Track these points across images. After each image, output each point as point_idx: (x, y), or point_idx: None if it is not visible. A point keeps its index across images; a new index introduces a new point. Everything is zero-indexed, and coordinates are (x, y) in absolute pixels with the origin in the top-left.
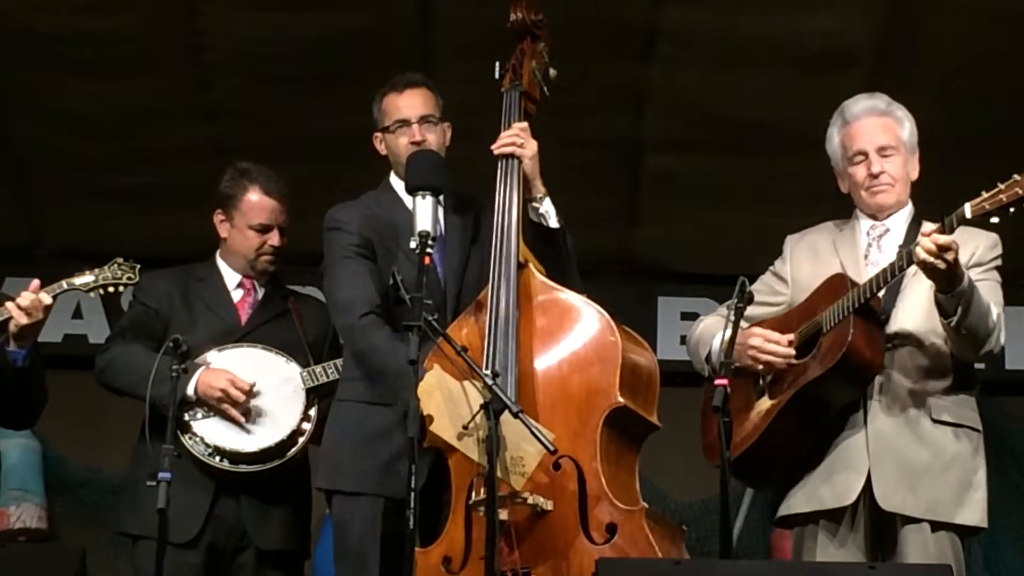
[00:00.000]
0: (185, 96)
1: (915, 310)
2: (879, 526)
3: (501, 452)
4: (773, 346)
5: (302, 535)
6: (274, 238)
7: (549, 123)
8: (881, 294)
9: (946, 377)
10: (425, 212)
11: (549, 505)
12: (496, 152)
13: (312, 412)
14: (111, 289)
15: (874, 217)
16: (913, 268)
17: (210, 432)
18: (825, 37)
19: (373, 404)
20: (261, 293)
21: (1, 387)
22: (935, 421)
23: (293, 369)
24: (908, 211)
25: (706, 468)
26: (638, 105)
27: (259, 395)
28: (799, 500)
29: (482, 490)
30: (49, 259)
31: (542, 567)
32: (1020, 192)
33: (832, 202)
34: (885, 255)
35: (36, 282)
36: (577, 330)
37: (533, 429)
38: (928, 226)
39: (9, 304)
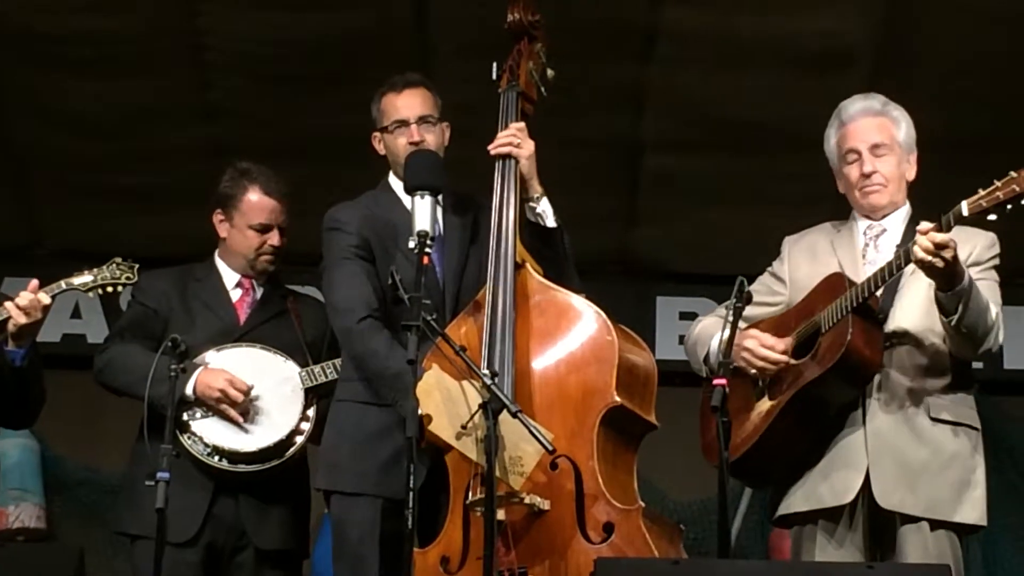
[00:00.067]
0: (185, 96)
1: (913, 309)
2: (878, 525)
3: (499, 452)
4: (766, 351)
5: (301, 535)
6: (274, 238)
7: (548, 123)
8: (879, 293)
9: (944, 376)
10: (424, 212)
11: (546, 505)
12: (493, 152)
13: (311, 412)
14: (110, 289)
15: (870, 217)
16: (911, 267)
17: (209, 432)
18: (824, 37)
19: (372, 404)
20: (260, 293)
21: (0, 387)
22: (934, 420)
23: (292, 369)
24: (905, 211)
25: (705, 468)
26: (637, 105)
27: (258, 395)
28: (798, 499)
29: (480, 490)
30: (49, 259)
31: (539, 567)
32: (1017, 189)
33: (832, 202)
34: (882, 255)
35: (35, 282)
36: (574, 330)
37: (531, 429)
38: (925, 225)
39: (8, 304)
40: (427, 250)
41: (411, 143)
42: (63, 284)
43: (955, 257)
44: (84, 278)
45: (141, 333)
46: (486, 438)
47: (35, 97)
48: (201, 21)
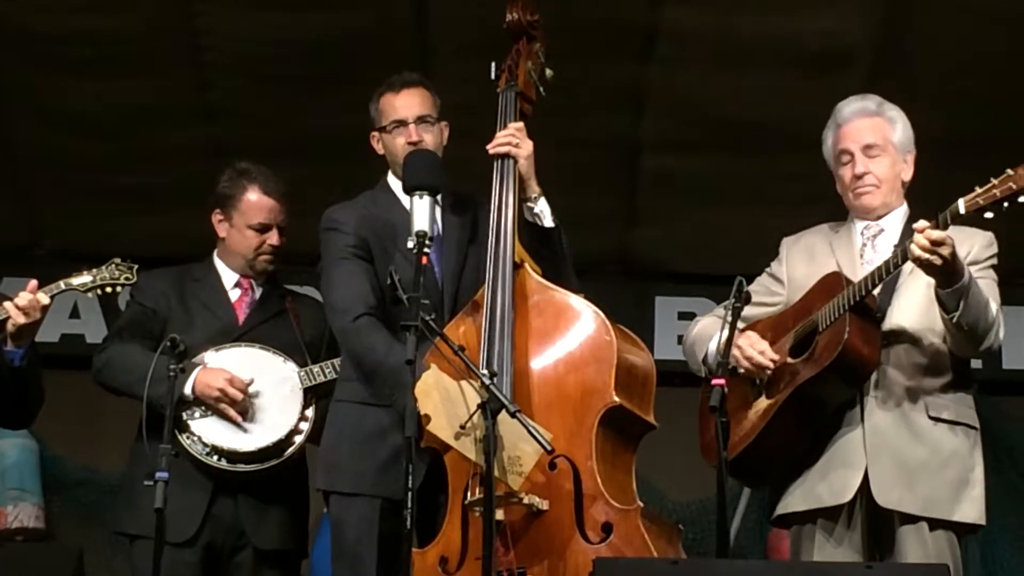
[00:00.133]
0: (185, 96)
1: (912, 307)
2: (876, 525)
3: (498, 452)
4: (752, 352)
5: (299, 535)
6: (273, 237)
7: (548, 123)
8: (876, 292)
9: (943, 375)
10: (422, 212)
11: (545, 505)
12: (491, 152)
13: (309, 412)
14: (108, 290)
15: (866, 218)
16: (909, 267)
17: (208, 431)
18: (824, 37)
19: (370, 405)
20: (259, 293)
21: None
22: (932, 419)
23: (290, 369)
24: (903, 211)
25: (703, 468)
26: (636, 105)
27: (256, 395)
28: (796, 499)
29: (478, 490)
30: (48, 259)
31: (538, 567)
32: (1014, 187)
33: (831, 202)
34: (880, 255)
35: (34, 282)
36: (573, 330)
37: (530, 429)
38: (922, 223)
39: (7, 304)
40: (426, 250)
41: (409, 143)
42: (62, 284)
43: (953, 254)
44: (83, 278)
45: (140, 333)
46: (485, 438)
47: (35, 97)
48: (201, 21)
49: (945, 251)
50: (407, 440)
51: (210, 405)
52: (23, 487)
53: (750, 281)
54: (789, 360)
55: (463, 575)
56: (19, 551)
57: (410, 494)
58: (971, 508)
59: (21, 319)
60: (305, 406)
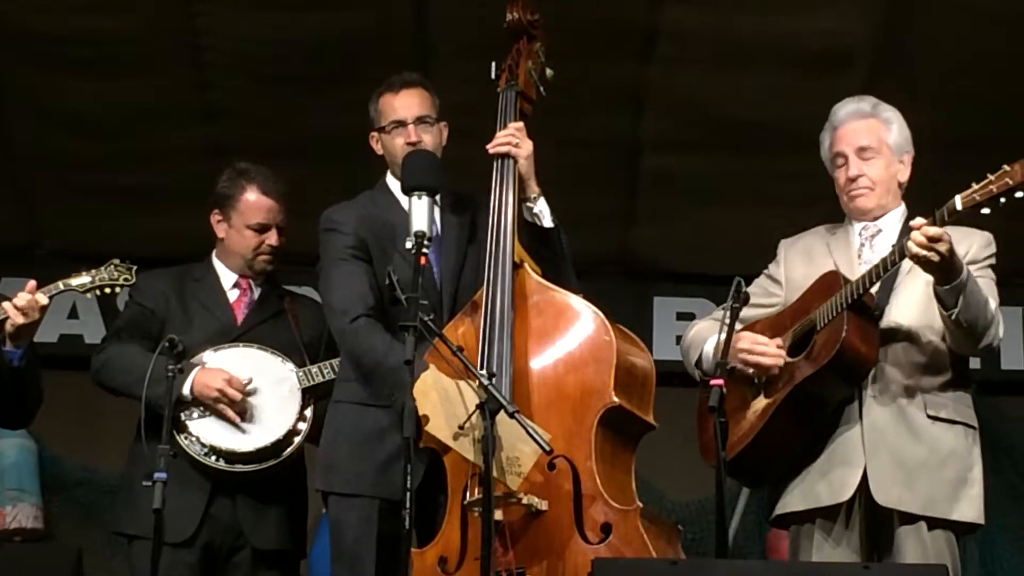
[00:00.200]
0: (184, 96)
1: (910, 305)
2: (875, 525)
3: (497, 452)
4: (762, 347)
5: (298, 535)
6: (272, 237)
7: (547, 123)
8: (874, 290)
9: (942, 373)
10: (421, 212)
11: (544, 505)
12: (491, 152)
13: (308, 412)
14: (108, 290)
15: (864, 219)
16: (908, 266)
17: (206, 432)
18: (824, 37)
19: (369, 405)
20: (257, 293)
21: None
22: (931, 417)
23: (289, 369)
24: (901, 211)
25: (702, 468)
26: (636, 105)
27: (255, 395)
28: (795, 498)
29: (477, 490)
30: (48, 259)
31: (537, 567)
32: (1010, 183)
33: (830, 203)
34: (878, 255)
35: (32, 283)
36: (572, 330)
37: (529, 429)
38: (919, 220)
39: (6, 304)
40: (424, 250)
41: (409, 143)
42: (61, 285)
43: (951, 250)
44: (82, 279)
45: (138, 333)
46: (483, 438)
47: (34, 97)
48: (201, 21)
49: (942, 247)
50: (406, 440)
51: (208, 405)
52: (22, 487)
53: (749, 282)
54: (787, 359)
55: (462, 575)
56: (18, 551)
57: (409, 494)
58: (970, 507)
59: (20, 319)
60: (304, 406)
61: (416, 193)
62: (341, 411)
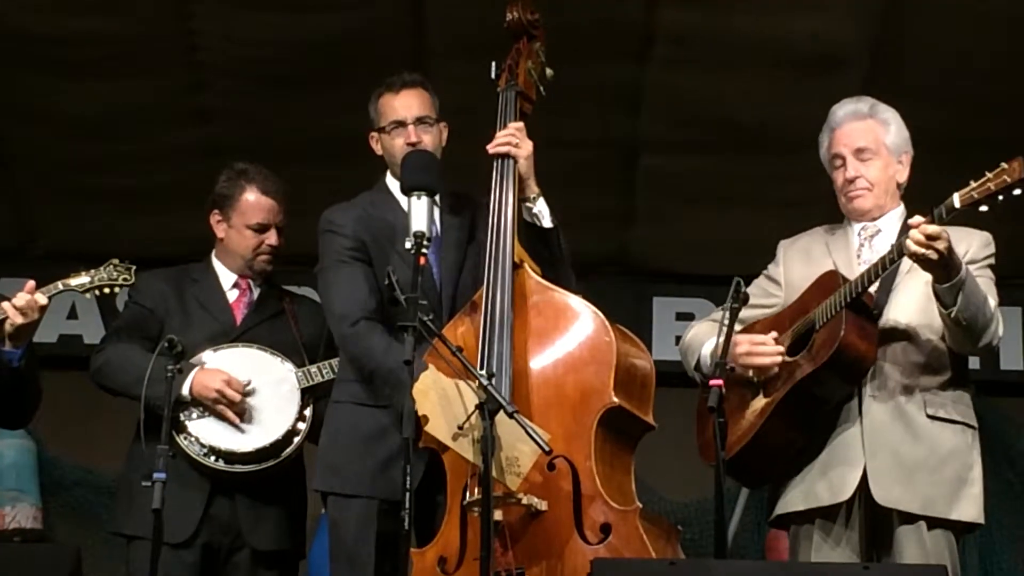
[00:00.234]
0: (181, 97)
1: (910, 304)
2: (874, 524)
3: (496, 452)
4: (760, 348)
5: (297, 535)
6: (272, 237)
7: (546, 123)
8: (873, 290)
9: (941, 373)
10: (420, 212)
11: (544, 505)
12: (491, 152)
13: (307, 412)
14: (107, 290)
15: (862, 219)
16: (907, 266)
17: (205, 432)
18: (821, 38)
19: (368, 406)
20: (256, 293)
21: None
22: (930, 417)
23: (288, 369)
24: (900, 211)
25: (701, 468)
26: (634, 105)
27: (254, 395)
28: (795, 498)
29: (477, 490)
30: (44, 260)
31: (536, 567)
32: (1008, 180)
33: (828, 203)
34: (877, 255)
35: (31, 283)
36: (572, 330)
37: (528, 429)
38: (917, 218)
39: (5, 304)
40: (424, 250)
41: (408, 144)
42: (60, 285)
43: (950, 248)
44: (81, 279)
45: (138, 333)
46: (482, 439)
47: (31, 98)
48: (196, 23)
49: (941, 245)
50: (405, 441)
51: (207, 406)
52: (21, 488)
53: (748, 282)
54: (787, 358)
55: (461, 575)
56: (17, 552)
57: (408, 495)
58: (970, 507)
59: (19, 319)
60: (303, 406)
61: (415, 193)
62: (340, 411)
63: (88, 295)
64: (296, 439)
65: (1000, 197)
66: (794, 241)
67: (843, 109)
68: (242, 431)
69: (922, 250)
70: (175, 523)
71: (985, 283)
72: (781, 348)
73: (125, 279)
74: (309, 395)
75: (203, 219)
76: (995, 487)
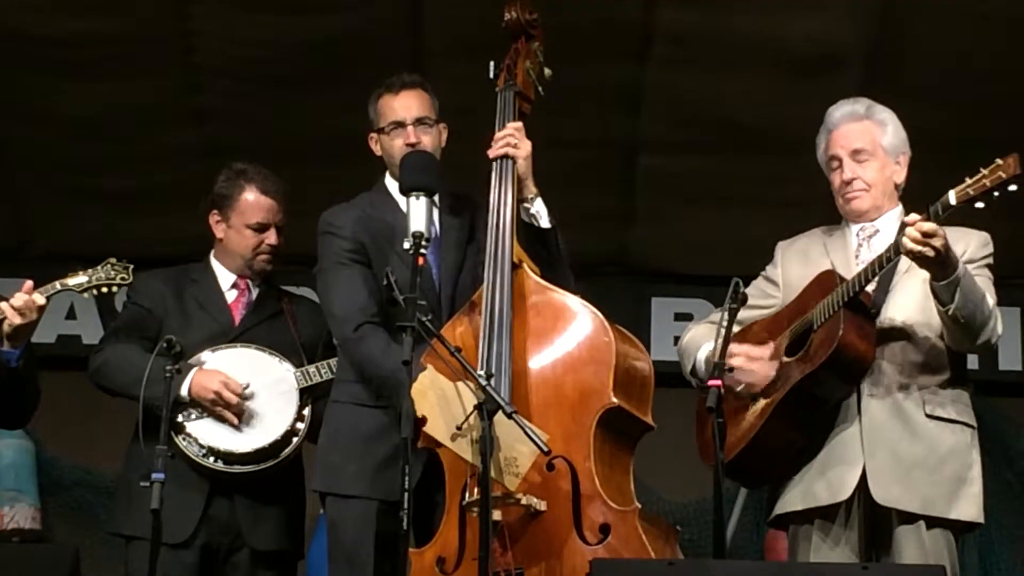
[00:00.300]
0: (181, 97)
1: (907, 303)
2: (874, 524)
3: (495, 453)
4: (750, 365)
5: (296, 535)
6: (271, 237)
7: (545, 123)
8: (870, 289)
9: (940, 372)
10: (419, 213)
11: (543, 505)
12: (491, 156)
13: (306, 412)
14: (104, 290)
15: (860, 220)
16: (905, 266)
17: (204, 433)
18: (819, 39)
19: (367, 406)
20: (255, 294)
21: None
22: (929, 416)
23: (287, 369)
24: (898, 212)
25: (700, 469)
26: (634, 105)
27: (253, 395)
28: (794, 498)
29: (476, 491)
30: (43, 260)
31: (535, 568)
32: (1003, 176)
33: (827, 204)
34: (876, 255)
35: (29, 283)
36: (571, 331)
37: (527, 430)
38: (913, 216)
39: (3, 304)
40: (422, 251)
41: (407, 145)
42: (58, 285)
43: (946, 245)
44: (79, 279)
45: (136, 334)
46: (481, 439)
47: (28, 98)
48: (194, 24)
49: (937, 242)
50: (403, 441)
51: (206, 407)
52: (19, 488)
53: (747, 283)
54: (785, 359)
55: (460, 575)
56: (15, 552)
57: (406, 495)
58: (969, 506)
59: (17, 320)
60: (301, 407)
61: (414, 194)
62: (339, 412)
63: (86, 295)
64: (295, 439)
65: (996, 193)
66: (792, 242)
67: (839, 111)
68: (241, 431)
69: (918, 247)
70: (174, 523)
71: (983, 282)
72: (772, 373)
73: (123, 278)
74: (308, 395)
75: (202, 219)
76: (994, 487)
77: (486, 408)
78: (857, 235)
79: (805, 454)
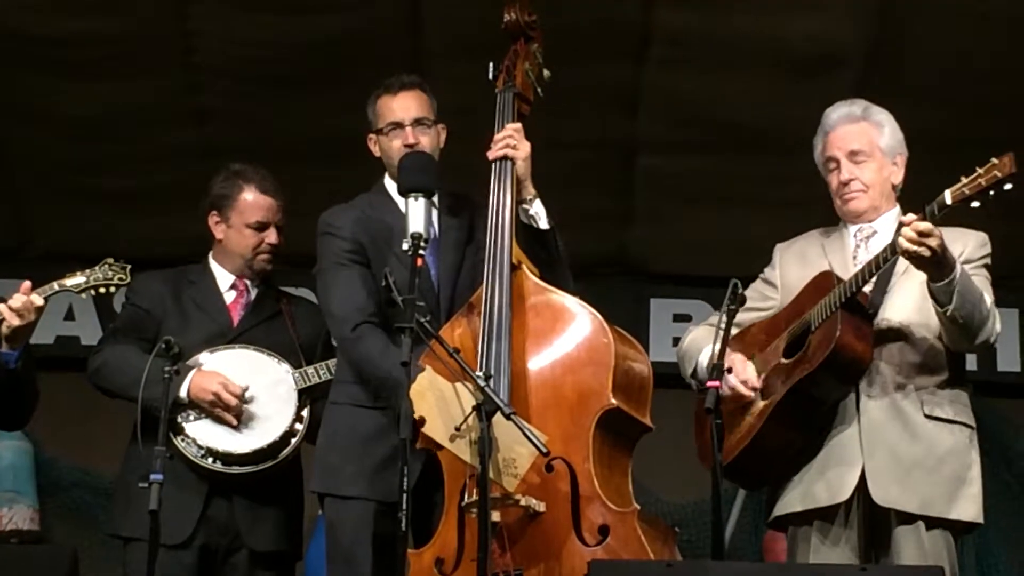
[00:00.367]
0: (180, 97)
1: (905, 304)
2: (873, 525)
3: (493, 454)
4: (737, 384)
5: (294, 536)
6: (271, 236)
7: (544, 124)
8: (868, 290)
9: (938, 373)
10: (417, 214)
11: (541, 507)
12: (491, 158)
13: (304, 413)
14: (102, 290)
15: (858, 221)
16: (902, 267)
17: (203, 434)
18: (818, 39)
19: (365, 407)
20: (253, 295)
21: None
22: (928, 416)
23: (285, 370)
24: (896, 213)
25: (699, 470)
26: (632, 106)
27: (251, 397)
28: (794, 499)
29: (474, 492)
30: (43, 260)
31: (534, 569)
32: (999, 175)
33: (827, 204)
34: (873, 256)
35: (27, 284)
36: (570, 332)
37: (525, 431)
38: (909, 216)
39: (1, 306)
40: (421, 252)
41: (406, 145)
42: (56, 285)
43: (942, 245)
44: (77, 279)
45: (135, 335)
46: (480, 440)
47: (27, 98)
48: (193, 24)
49: (933, 242)
50: (402, 442)
51: (205, 408)
52: (18, 489)
53: (745, 284)
54: (783, 360)
55: None
56: (13, 553)
57: (405, 496)
58: (968, 506)
59: (15, 321)
60: (300, 408)
61: (412, 195)
62: (337, 413)
63: (84, 295)
64: (293, 440)
65: (991, 192)
66: (790, 244)
67: (836, 112)
68: (239, 432)
69: (914, 247)
70: (173, 524)
71: (981, 282)
72: (756, 384)
73: (121, 279)
74: (306, 396)
75: (202, 220)
76: (992, 488)
77: (485, 409)
78: (855, 236)
79: (804, 455)
